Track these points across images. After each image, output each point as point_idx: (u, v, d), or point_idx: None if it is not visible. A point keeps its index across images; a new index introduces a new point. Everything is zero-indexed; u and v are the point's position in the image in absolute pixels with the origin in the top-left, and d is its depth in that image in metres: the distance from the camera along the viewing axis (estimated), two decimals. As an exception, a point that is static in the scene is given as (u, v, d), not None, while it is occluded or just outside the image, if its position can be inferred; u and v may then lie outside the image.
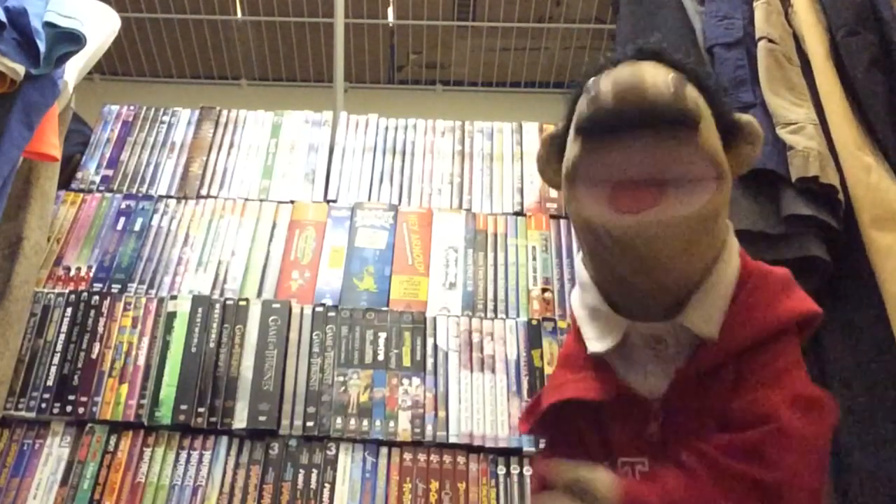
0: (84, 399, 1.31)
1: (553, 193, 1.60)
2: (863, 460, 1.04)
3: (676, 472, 0.64)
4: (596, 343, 0.73)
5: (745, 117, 0.72)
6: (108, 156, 1.65)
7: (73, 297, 1.41)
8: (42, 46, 1.13)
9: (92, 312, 1.40)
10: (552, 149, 0.77)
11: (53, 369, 1.34)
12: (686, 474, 0.63)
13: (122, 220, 1.54)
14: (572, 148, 0.70)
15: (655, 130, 0.65)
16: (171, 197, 1.58)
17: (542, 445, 0.84)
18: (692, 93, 0.67)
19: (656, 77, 0.65)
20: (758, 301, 0.69)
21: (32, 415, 1.31)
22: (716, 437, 0.64)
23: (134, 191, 1.59)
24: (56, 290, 1.43)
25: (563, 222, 1.54)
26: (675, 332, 0.69)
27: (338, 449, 1.29)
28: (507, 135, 1.69)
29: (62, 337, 1.37)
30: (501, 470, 1.26)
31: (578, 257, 0.78)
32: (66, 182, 1.59)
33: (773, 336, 0.67)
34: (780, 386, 0.65)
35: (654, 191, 0.65)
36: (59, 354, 1.36)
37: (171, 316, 1.40)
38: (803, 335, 0.72)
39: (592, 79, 0.69)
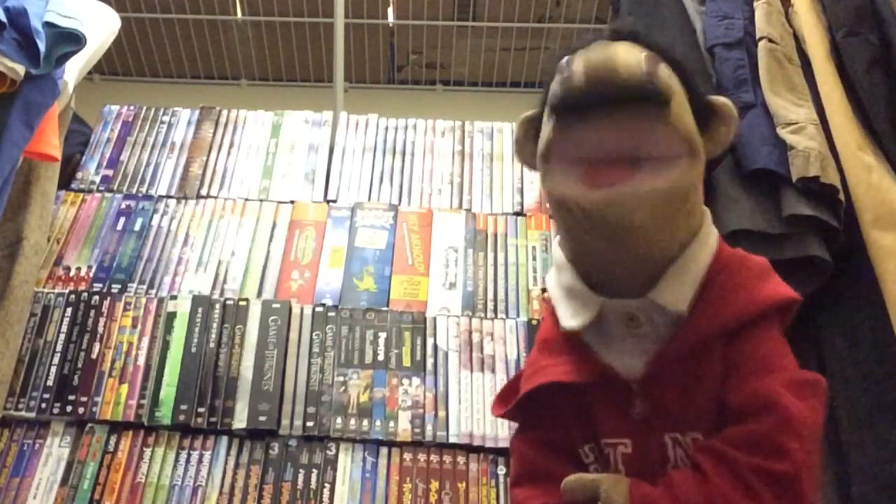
0: (84, 399, 1.31)
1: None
2: (863, 460, 1.04)
3: (688, 472, 0.64)
4: (569, 320, 0.73)
5: (720, 99, 0.73)
6: (108, 156, 1.65)
7: (73, 297, 1.41)
8: (42, 46, 1.12)
9: (92, 312, 1.40)
10: (529, 131, 0.78)
11: (53, 369, 1.34)
12: (698, 473, 0.63)
13: (122, 220, 1.54)
14: (546, 127, 0.71)
15: (627, 108, 0.66)
16: (171, 197, 1.58)
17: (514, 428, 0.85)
18: (665, 71, 0.68)
19: (628, 56, 0.66)
20: (737, 284, 0.70)
21: (32, 415, 1.31)
22: (724, 431, 0.64)
23: (134, 191, 1.59)
24: (56, 290, 1.43)
25: (563, 222, 1.54)
26: (647, 308, 0.69)
27: (338, 449, 1.29)
28: (507, 135, 1.69)
29: (62, 337, 1.37)
30: (501, 470, 1.26)
31: (556, 241, 0.78)
32: (66, 182, 1.59)
33: (753, 321, 0.68)
34: (773, 371, 0.66)
35: (626, 167, 0.66)
36: (59, 354, 1.36)
37: (171, 316, 1.40)
38: (783, 323, 0.72)
39: (566, 58, 0.70)
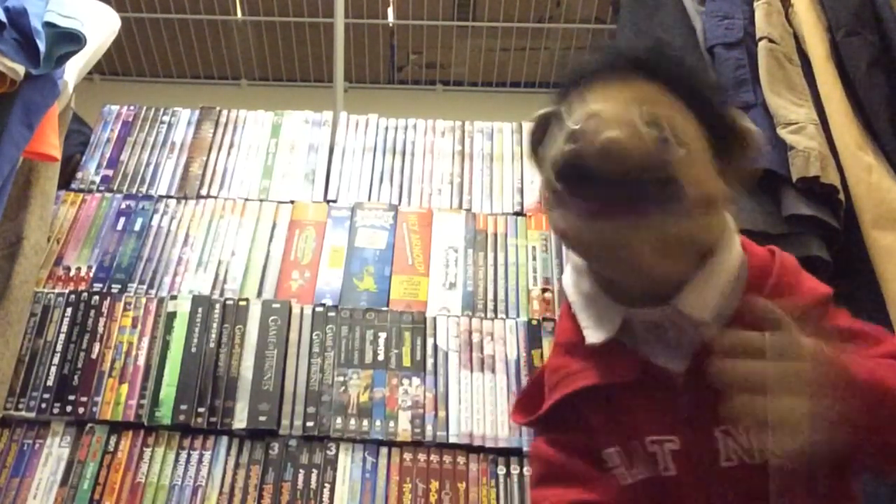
0: (84, 399, 1.31)
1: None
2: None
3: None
4: (592, 333, 0.72)
5: (747, 126, 0.69)
6: (108, 156, 1.65)
7: (73, 297, 1.41)
8: (42, 46, 1.12)
9: (92, 312, 1.40)
10: (540, 132, 0.74)
11: (53, 369, 1.34)
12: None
13: (122, 220, 1.54)
14: (550, 175, 0.68)
15: (639, 181, 0.63)
16: (171, 197, 1.58)
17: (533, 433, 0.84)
18: (675, 134, 0.64)
19: (641, 137, 0.62)
20: (785, 286, 0.68)
21: (32, 415, 1.31)
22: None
23: (134, 191, 1.59)
24: (56, 290, 1.43)
25: (563, 222, 1.54)
26: (671, 317, 0.68)
27: (338, 449, 1.29)
28: (507, 135, 1.69)
29: (62, 337, 1.37)
30: (501, 470, 1.26)
31: None
32: (66, 182, 1.59)
33: (807, 312, 0.66)
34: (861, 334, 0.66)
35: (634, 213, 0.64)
36: (59, 354, 1.36)
37: (171, 316, 1.40)
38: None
39: (572, 117, 0.66)
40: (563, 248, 0.77)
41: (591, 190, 0.64)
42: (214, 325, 1.38)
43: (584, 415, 0.74)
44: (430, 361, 1.36)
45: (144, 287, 1.45)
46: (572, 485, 0.72)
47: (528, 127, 0.79)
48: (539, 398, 0.77)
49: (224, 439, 1.30)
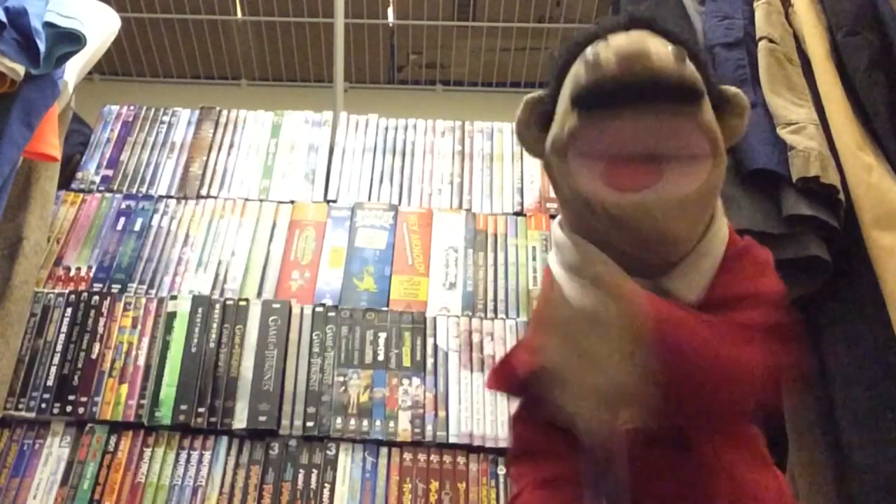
0: (84, 399, 1.31)
1: (553, 193, 1.59)
2: (864, 460, 1.04)
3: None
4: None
5: (732, 89, 0.71)
6: (108, 156, 1.65)
7: (73, 297, 1.41)
8: (42, 46, 1.13)
9: (92, 312, 1.40)
10: (533, 114, 0.75)
11: (53, 369, 1.34)
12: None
13: (122, 220, 1.54)
14: (567, 119, 0.68)
15: (657, 104, 0.63)
16: (171, 197, 1.58)
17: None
18: (692, 66, 0.66)
19: (659, 48, 0.64)
20: (738, 276, 0.69)
21: (32, 415, 1.31)
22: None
23: (134, 191, 1.59)
24: (56, 290, 1.43)
25: (563, 222, 1.54)
26: (655, 291, 0.68)
27: (338, 449, 1.29)
28: (507, 135, 1.69)
29: (62, 337, 1.37)
30: (501, 470, 1.26)
31: (555, 222, 0.77)
32: (66, 182, 1.59)
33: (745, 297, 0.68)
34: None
35: (652, 167, 0.64)
36: (59, 354, 1.36)
37: (171, 316, 1.40)
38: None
39: (590, 47, 0.66)
40: (550, 242, 0.76)
41: (614, 116, 0.63)
42: (214, 325, 1.38)
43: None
44: (430, 361, 1.36)
45: (144, 287, 1.45)
46: (543, 460, 0.73)
47: (519, 109, 0.79)
48: (513, 368, 0.77)
49: (224, 439, 1.30)
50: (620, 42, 0.64)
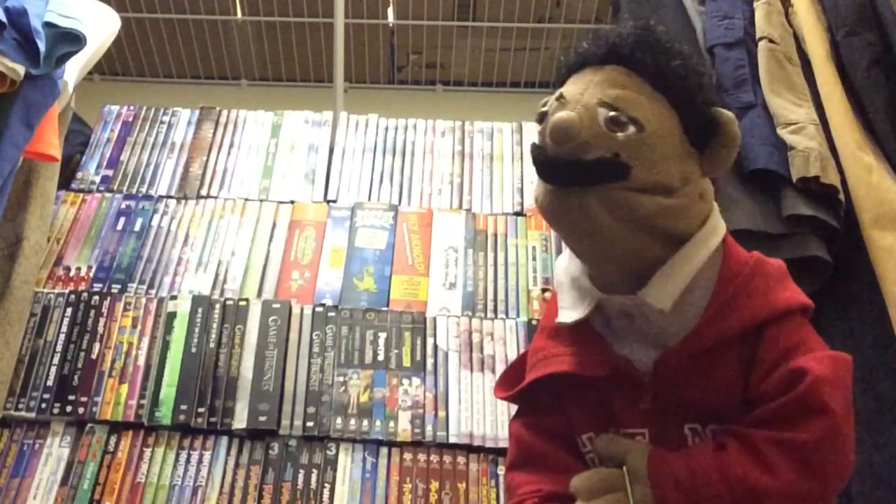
0: (84, 399, 1.31)
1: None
2: (864, 461, 1.04)
3: (707, 444, 0.66)
4: (566, 313, 0.74)
5: (726, 115, 0.70)
6: (108, 156, 1.65)
7: (73, 297, 1.41)
8: (42, 46, 1.12)
9: (92, 312, 1.40)
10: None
11: (53, 369, 1.34)
12: (716, 447, 0.65)
13: (122, 220, 1.54)
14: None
15: (585, 160, 0.65)
16: (171, 197, 1.58)
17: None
18: (631, 116, 0.65)
19: (593, 120, 0.65)
20: (753, 289, 0.69)
21: (32, 415, 1.31)
22: (752, 413, 0.66)
23: (134, 191, 1.59)
24: (56, 290, 1.42)
25: (563, 222, 1.54)
26: (637, 305, 0.70)
27: (338, 449, 1.29)
28: (507, 135, 1.69)
29: (62, 337, 1.37)
30: (501, 470, 1.26)
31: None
32: (66, 182, 1.59)
33: (774, 320, 0.68)
34: (801, 352, 0.66)
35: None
36: (59, 354, 1.35)
37: (171, 316, 1.40)
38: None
39: (548, 106, 0.69)
40: (551, 242, 0.81)
41: (545, 168, 0.68)
42: (214, 325, 1.38)
43: (562, 398, 0.75)
44: (430, 361, 1.36)
45: (144, 287, 1.45)
46: (545, 472, 0.73)
47: (528, 126, 0.83)
48: (521, 376, 0.79)
49: (224, 439, 1.30)
50: (559, 105, 0.67)
